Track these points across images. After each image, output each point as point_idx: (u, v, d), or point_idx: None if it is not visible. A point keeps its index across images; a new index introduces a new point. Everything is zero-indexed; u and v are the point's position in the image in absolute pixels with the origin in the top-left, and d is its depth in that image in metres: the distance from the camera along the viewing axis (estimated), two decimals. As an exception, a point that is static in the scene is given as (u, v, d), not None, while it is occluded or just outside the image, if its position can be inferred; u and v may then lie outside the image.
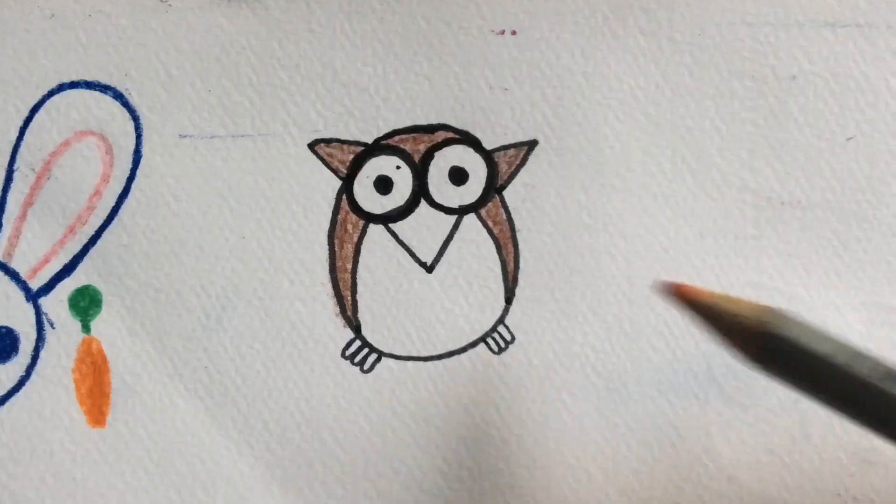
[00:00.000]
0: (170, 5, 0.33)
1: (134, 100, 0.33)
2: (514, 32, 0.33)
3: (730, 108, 0.33)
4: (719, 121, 0.33)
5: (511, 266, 0.33)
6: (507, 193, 0.34)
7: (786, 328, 0.24)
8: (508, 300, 0.33)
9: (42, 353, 0.33)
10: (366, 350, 0.33)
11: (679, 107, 0.33)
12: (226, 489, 0.33)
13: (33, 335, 0.34)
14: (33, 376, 0.33)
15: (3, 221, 0.34)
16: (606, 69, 0.33)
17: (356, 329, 0.33)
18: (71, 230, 0.34)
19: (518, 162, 0.33)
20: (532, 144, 0.33)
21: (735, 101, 0.33)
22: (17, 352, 0.33)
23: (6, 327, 0.34)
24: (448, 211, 0.34)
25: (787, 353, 0.24)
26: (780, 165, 0.33)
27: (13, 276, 0.34)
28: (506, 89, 0.33)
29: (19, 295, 0.34)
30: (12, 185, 0.33)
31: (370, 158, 0.34)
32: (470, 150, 0.33)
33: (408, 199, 0.34)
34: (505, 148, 0.33)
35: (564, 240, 0.33)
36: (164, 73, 0.33)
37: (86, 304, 0.33)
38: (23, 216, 0.34)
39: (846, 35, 0.33)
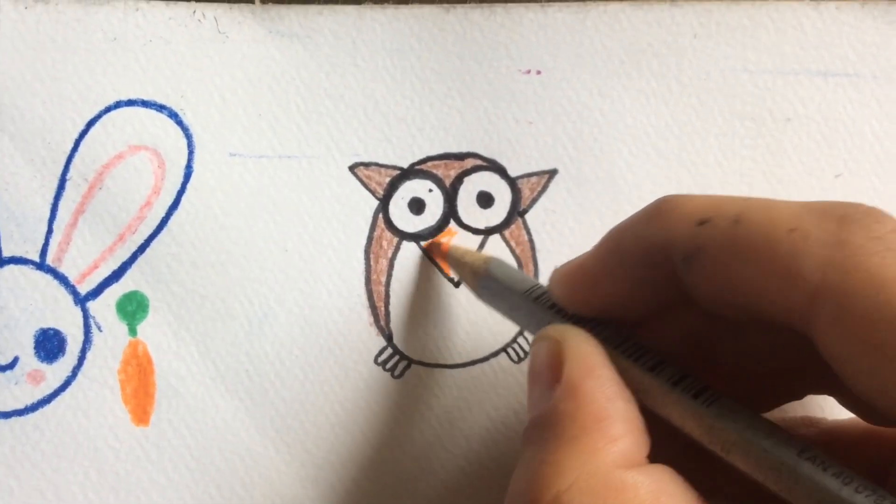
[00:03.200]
0: (227, 37, 0.35)
1: (188, 119, 0.35)
2: (538, 72, 0.36)
3: (731, 145, 0.36)
4: (721, 157, 0.36)
5: (531, 283, 0.36)
6: (529, 217, 0.36)
7: (498, 270, 0.31)
8: (528, 314, 0.36)
9: (88, 355, 0.34)
10: (397, 357, 0.35)
11: (685, 143, 0.36)
12: (263, 485, 0.34)
13: (80, 337, 0.35)
14: (79, 376, 0.34)
15: (54, 228, 0.34)
16: (621, 107, 0.36)
17: (388, 338, 0.35)
18: (121, 238, 0.35)
19: (540, 188, 0.36)
20: (553, 173, 0.36)
21: (735, 140, 0.36)
22: (63, 353, 0.34)
23: (54, 329, 0.34)
24: (475, 231, 0.36)
25: (498, 286, 0.31)
26: (775, 198, 0.35)
27: (62, 280, 0.35)
28: (530, 123, 0.36)
29: (67, 299, 0.35)
30: (64, 193, 0.35)
31: (405, 181, 0.36)
32: (496, 177, 0.36)
33: (439, 220, 0.36)
34: (528, 175, 0.36)
35: (581, 260, 0.36)
36: (217, 97, 0.35)
37: (133, 308, 0.35)
38: (74, 223, 0.35)
39: (836, 83, 0.36)
